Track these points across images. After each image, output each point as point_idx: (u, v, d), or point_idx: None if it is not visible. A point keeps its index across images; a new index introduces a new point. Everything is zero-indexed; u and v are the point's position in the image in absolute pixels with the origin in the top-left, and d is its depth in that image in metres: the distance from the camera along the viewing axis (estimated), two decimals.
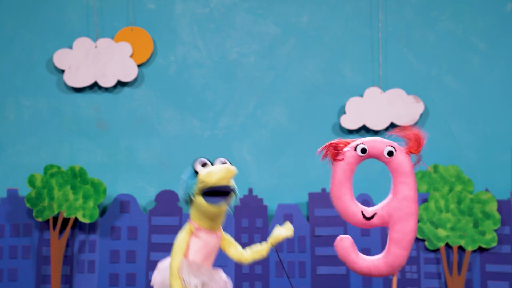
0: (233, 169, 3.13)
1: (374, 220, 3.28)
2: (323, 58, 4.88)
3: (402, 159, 3.27)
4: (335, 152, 3.30)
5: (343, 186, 3.29)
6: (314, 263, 4.63)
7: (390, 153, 3.28)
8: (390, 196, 3.28)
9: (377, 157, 3.29)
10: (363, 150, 3.28)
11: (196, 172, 3.15)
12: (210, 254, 3.25)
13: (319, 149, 3.32)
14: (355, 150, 3.27)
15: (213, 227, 3.22)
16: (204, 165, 3.17)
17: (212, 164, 3.18)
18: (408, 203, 3.26)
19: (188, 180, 3.17)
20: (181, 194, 3.22)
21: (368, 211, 3.29)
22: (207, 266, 3.22)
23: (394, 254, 3.25)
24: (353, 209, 3.29)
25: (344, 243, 3.30)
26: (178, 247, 3.18)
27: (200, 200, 3.14)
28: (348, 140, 3.33)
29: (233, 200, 3.18)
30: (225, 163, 3.18)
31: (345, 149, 3.29)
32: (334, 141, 3.32)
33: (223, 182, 3.12)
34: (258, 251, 3.35)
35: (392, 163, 3.28)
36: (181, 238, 3.19)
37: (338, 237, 3.32)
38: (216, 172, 3.11)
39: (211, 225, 3.21)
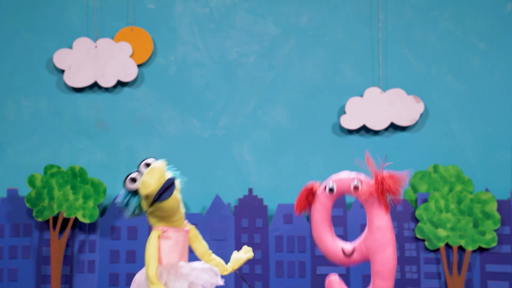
0: (159, 165, 3.12)
1: (355, 256, 3.36)
2: (323, 58, 4.88)
3: (369, 191, 3.30)
4: (311, 198, 3.38)
5: (321, 227, 3.38)
6: (314, 263, 4.63)
7: (356, 188, 3.31)
8: (365, 230, 3.33)
9: (346, 192, 3.34)
10: (331, 190, 3.34)
11: (131, 191, 3.14)
12: (184, 250, 3.24)
13: (296, 203, 3.40)
14: (325, 190, 3.34)
15: (178, 222, 3.20)
16: (133, 180, 3.14)
17: (138, 171, 3.15)
18: (381, 233, 3.30)
19: (130, 201, 3.15)
20: (129, 214, 3.19)
21: (348, 248, 3.35)
22: (184, 263, 3.21)
23: (379, 287, 3.30)
24: (334, 249, 3.38)
25: (333, 285, 3.39)
26: (151, 255, 3.15)
27: (157, 206, 3.13)
28: (318, 183, 3.40)
29: (179, 183, 3.19)
30: (147, 163, 3.17)
31: (318, 191, 3.36)
32: (308, 185, 3.39)
33: (162, 182, 3.11)
34: (222, 264, 3.35)
35: (361, 196, 3.31)
36: (151, 245, 3.16)
37: (327, 280, 3.40)
38: (150, 180, 3.09)
39: (175, 220, 3.20)
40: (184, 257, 3.25)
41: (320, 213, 3.37)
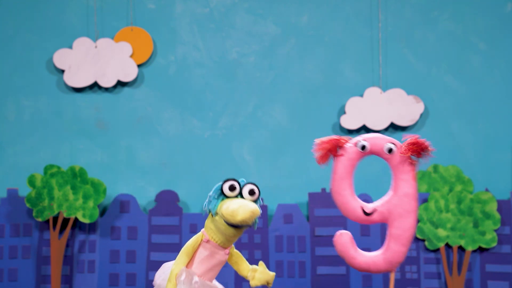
0: (257, 211, 3.06)
1: (374, 216, 3.28)
2: (323, 58, 4.88)
3: (403, 156, 3.27)
4: (335, 148, 3.29)
5: (344, 181, 3.29)
6: (314, 263, 4.63)
7: (390, 150, 3.28)
8: (390, 193, 3.28)
9: (377, 153, 3.29)
10: (363, 147, 3.28)
11: (223, 193, 3.11)
12: (214, 268, 3.16)
13: (317, 142, 3.29)
14: (356, 146, 3.28)
15: (224, 244, 3.15)
16: (232, 188, 3.11)
17: (241, 187, 3.12)
18: (408, 200, 3.26)
19: (213, 197, 3.12)
20: (206, 206, 3.15)
21: (368, 207, 3.29)
22: (207, 279, 3.16)
23: (393, 250, 3.26)
24: (353, 205, 3.29)
25: (343, 238, 3.30)
26: (184, 253, 3.11)
27: (220, 220, 3.09)
28: (347, 137, 3.33)
29: (254, 224, 3.14)
30: (253, 191, 3.12)
31: (347, 145, 3.29)
32: (335, 137, 3.31)
33: (247, 223, 3.07)
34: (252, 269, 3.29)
35: (392, 160, 3.27)
36: (190, 244, 3.12)
37: (337, 232, 3.32)
38: (241, 214, 3.03)
39: (223, 242, 3.15)
40: (212, 274, 3.17)
41: (345, 167, 3.28)
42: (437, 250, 4.62)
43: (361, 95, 4.78)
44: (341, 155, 3.29)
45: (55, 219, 4.63)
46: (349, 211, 3.30)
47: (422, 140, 3.26)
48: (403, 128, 4.80)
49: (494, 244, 4.55)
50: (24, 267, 4.64)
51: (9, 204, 4.68)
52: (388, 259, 3.27)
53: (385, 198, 3.29)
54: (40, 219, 4.59)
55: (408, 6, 4.88)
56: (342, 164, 3.28)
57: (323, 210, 4.64)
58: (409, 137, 3.28)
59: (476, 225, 4.56)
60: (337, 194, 3.31)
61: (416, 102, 4.75)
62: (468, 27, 4.86)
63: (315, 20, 4.89)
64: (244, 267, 3.22)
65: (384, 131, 4.78)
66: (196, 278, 3.10)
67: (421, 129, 4.80)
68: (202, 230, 3.15)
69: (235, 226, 3.05)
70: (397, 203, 3.26)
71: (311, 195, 4.66)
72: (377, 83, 4.83)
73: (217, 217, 3.08)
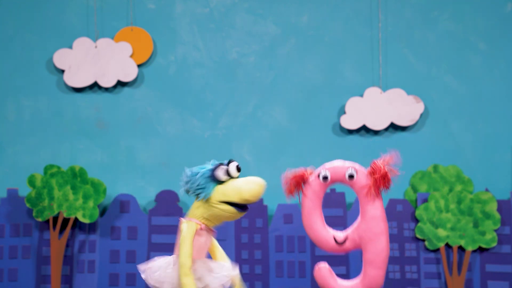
0: (264, 185, 3.12)
1: (347, 244, 3.34)
2: (323, 58, 4.88)
3: (364, 180, 3.28)
4: (300, 183, 3.36)
5: (313, 215, 3.35)
6: (314, 263, 4.63)
7: (351, 177, 3.30)
8: (358, 218, 3.32)
9: (340, 181, 3.33)
10: (325, 178, 3.32)
11: (216, 179, 3.11)
12: (205, 252, 3.23)
13: (284, 179, 3.37)
14: (318, 178, 3.32)
15: (214, 227, 3.22)
16: (227, 173, 3.13)
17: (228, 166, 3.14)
18: (376, 222, 3.29)
19: (204, 181, 3.12)
20: (191, 187, 3.14)
21: (340, 236, 3.34)
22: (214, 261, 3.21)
23: (370, 276, 3.29)
24: (325, 236, 3.35)
25: (322, 272, 3.37)
26: (188, 244, 3.12)
27: (225, 207, 3.11)
28: (311, 169, 3.37)
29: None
30: (239, 166, 3.15)
31: (310, 178, 3.33)
32: (299, 172, 3.36)
33: (254, 200, 3.11)
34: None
35: (355, 185, 3.30)
36: (189, 236, 3.11)
37: (316, 267, 3.38)
38: (249, 192, 3.08)
39: (215, 225, 3.20)
40: (204, 256, 3.23)
41: (312, 200, 3.35)
42: (437, 250, 4.62)
43: (361, 95, 4.78)
44: (306, 190, 3.36)
45: (55, 219, 4.63)
46: (322, 243, 3.37)
47: (383, 169, 3.26)
48: (403, 128, 4.80)
49: (494, 244, 4.55)
50: (24, 267, 4.64)
51: (9, 204, 4.68)
52: (366, 285, 3.30)
53: (354, 225, 3.33)
54: (40, 219, 4.59)
55: (408, 6, 4.88)
56: (309, 198, 3.35)
57: (323, 210, 4.63)
58: (374, 165, 3.28)
59: (476, 225, 4.56)
60: (308, 228, 3.38)
61: (416, 102, 4.75)
62: (468, 27, 4.86)
63: (315, 20, 4.89)
64: (219, 255, 3.27)
65: (384, 131, 4.78)
66: (212, 264, 3.12)
67: (421, 129, 4.80)
68: (190, 219, 3.15)
69: (242, 205, 3.08)
70: (365, 227, 3.29)
71: None
72: (377, 83, 4.83)
73: (218, 205, 3.10)
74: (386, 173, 3.25)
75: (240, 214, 3.15)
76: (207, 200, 3.12)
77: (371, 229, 3.28)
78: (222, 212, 3.12)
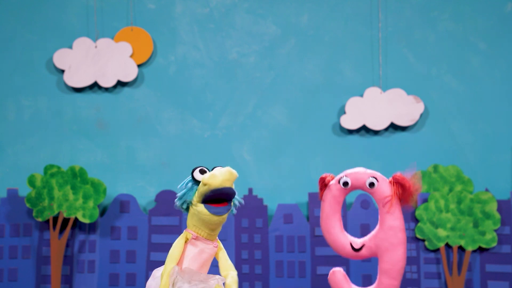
0: (235, 172, 3.10)
1: (363, 251, 3.33)
2: (323, 58, 4.88)
3: (385, 189, 3.28)
4: (323, 187, 3.37)
5: (331, 219, 3.35)
6: (314, 263, 4.63)
7: (372, 185, 3.31)
8: (377, 227, 3.31)
9: (361, 188, 3.34)
10: (346, 183, 3.32)
11: (195, 181, 3.11)
12: (206, 262, 3.19)
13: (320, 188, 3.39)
14: (339, 183, 3.32)
15: (211, 236, 3.18)
16: (203, 172, 3.13)
17: (209, 170, 3.14)
18: (394, 232, 3.28)
19: (187, 189, 3.13)
20: (178, 202, 3.16)
21: (357, 242, 3.34)
22: (203, 273, 3.18)
23: (385, 285, 3.29)
24: (342, 242, 3.35)
25: (337, 277, 3.37)
26: (172, 254, 3.14)
27: (201, 209, 3.11)
28: (331, 175, 3.38)
29: (233, 207, 3.14)
30: (204, 171, 3.15)
31: (331, 182, 3.34)
32: (322, 176, 3.38)
33: (227, 184, 3.08)
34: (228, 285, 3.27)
35: (376, 193, 3.30)
36: (176, 245, 3.15)
37: (331, 271, 3.37)
38: (219, 174, 3.06)
39: (209, 234, 3.17)
40: (205, 268, 3.20)
41: (331, 205, 3.35)
42: (437, 250, 4.62)
43: (361, 95, 4.79)
44: (325, 194, 3.36)
45: (55, 219, 4.63)
46: (339, 248, 3.36)
47: (410, 184, 3.26)
48: (403, 128, 4.80)
49: (494, 244, 4.55)
50: (24, 267, 4.64)
51: (9, 204, 4.68)
52: None
53: (372, 233, 3.33)
54: (40, 219, 4.59)
55: (408, 6, 4.88)
56: (328, 202, 3.35)
57: None
58: (399, 177, 3.28)
59: (476, 225, 4.57)
60: (326, 232, 3.38)
61: (416, 102, 4.76)
62: (468, 27, 4.86)
63: (315, 20, 4.90)
64: (223, 267, 3.23)
65: (384, 131, 4.79)
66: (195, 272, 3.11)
67: (421, 129, 4.80)
68: (185, 230, 3.17)
69: (215, 199, 3.05)
70: (383, 237, 3.28)
71: (311, 195, 4.66)
72: (377, 83, 4.83)
73: (197, 207, 3.09)
74: (411, 186, 3.24)
75: (215, 217, 3.09)
76: (192, 205, 3.12)
77: (388, 239, 3.28)
78: (199, 214, 3.10)
